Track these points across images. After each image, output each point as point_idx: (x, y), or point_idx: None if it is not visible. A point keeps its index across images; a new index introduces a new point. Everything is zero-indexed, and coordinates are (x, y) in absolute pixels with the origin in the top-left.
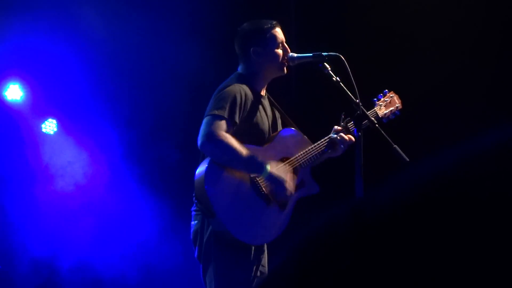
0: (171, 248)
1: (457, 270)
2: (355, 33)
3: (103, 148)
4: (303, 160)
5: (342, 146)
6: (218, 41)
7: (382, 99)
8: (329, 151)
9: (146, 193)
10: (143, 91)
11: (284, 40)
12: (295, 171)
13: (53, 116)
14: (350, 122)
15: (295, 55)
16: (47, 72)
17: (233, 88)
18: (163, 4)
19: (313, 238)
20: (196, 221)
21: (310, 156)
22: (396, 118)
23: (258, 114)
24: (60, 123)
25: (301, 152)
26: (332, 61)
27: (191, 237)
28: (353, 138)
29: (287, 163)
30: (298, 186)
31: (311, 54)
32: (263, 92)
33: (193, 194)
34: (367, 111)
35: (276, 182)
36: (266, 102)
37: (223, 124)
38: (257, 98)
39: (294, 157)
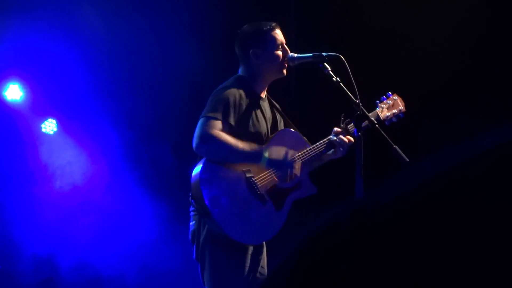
0: (170, 247)
1: (458, 271)
2: (355, 33)
3: (103, 148)
4: (300, 161)
5: (341, 148)
6: (218, 43)
7: (384, 101)
8: (329, 153)
9: (146, 193)
10: (143, 91)
11: (284, 41)
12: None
13: (53, 116)
14: (350, 123)
15: (295, 55)
16: (47, 72)
17: (228, 90)
18: (163, 6)
19: (313, 238)
20: (193, 222)
21: (308, 157)
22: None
23: (255, 116)
24: (60, 123)
25: (299, 153)
26: (332, 61)
27: (189, 237)
28: (352, 140)
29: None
30: (294, 188)
31: (311, 55)
32: (263, 94)
33: (190, 194)
34: (369, 113)
35: (277, 164)
36: (266, 104)
37: (216, 124)
38: (256, 100)
39: (291, 158)
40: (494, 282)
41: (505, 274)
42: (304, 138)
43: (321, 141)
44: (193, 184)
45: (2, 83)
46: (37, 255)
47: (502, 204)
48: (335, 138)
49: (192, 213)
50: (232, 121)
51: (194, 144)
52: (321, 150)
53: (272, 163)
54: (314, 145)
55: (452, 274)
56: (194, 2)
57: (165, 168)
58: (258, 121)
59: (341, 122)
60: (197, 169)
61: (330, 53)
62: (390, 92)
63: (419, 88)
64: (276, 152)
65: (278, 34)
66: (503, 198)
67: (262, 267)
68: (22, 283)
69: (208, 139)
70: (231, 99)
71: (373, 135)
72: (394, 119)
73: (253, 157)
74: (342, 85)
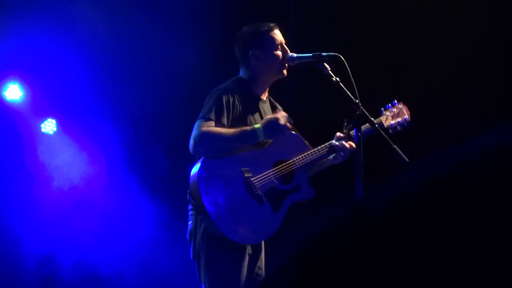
0: (169, 247)
1: (458, 271)
2: (355, 33)
3: (103, 148)
4: (300, 164)
5: (342, 153)
6: (218, 44)
7: (389, 109)
8: (330, 157)
9: (145, 193)
10: (143, 91)
11: (283, 41)
12: (291, 174)
13: (53, 116)
14: (353, 129)
15: (295, 55)
16: (47, 72)
17: (222, 91)
18: (163, 7)
19: (311, 239)
20: (191, 221)
21: (309, 160)
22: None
23: (252, 117)
24: (60, 123)
25: (299, 156)
26: (332, 61)
27: (187, 237)
28: (354, 146)
29: (283, 166)
30: (292, 190)
31: (311, 54)
32: (263, 96)
33: (188, 192)
34: (373, 118)
35: (272, 127)
36: (266, 106)
37: (209, 123)
38: (255, 102)
39: (292, 160)
40: (494, 282)
41: (505, 275)
42: (306, 141)
43: (322, 146)
44: (191, 182)
45: (2, 83)
46: (37, 254)
47: (502, 205)
48: (336, 143)
49: (190, 213)
50: (225, 121)
51: (190, 147)
52: (322, 154)
53: (269, 130)
54: (315, 149)
55: (452, 275)
56: (194, 2)
57: (165, 168)
58: (255, 122)
59: (344, 127)
60: (195, 168)
61: (329, 53)
62: (395, 101)
63: (419, 88)
64: (266, 120)
65: (277, 34)
66: (503, 198)
67: (259, 268)
68: (22, 282)
69: (200, 137)
70: (225, 100)
71: (373, 135)
72: (399, 128)
73: (249, 136)
74: (341, 85)
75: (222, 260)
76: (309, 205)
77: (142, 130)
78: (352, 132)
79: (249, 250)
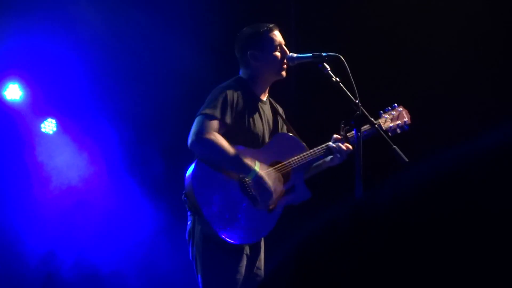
0: (168, 246)
1: (456, 270)
2: (355, 33)
3: (103, 147)
4: (296, 165)
5: (338, 155)
6: (218, 44)
7: (388, 112)
8: (326, 159)
9: (145, 192)
10: (143, 91)
11: (282, 42)
12: (286, 175)
13: (53, 115)
14: (350, 131)
15: (295, 55)
16: (47, 72)
17: (226, 89)
18: (163, 7)
19: (311, 239)
20: (189, 221)
21: (305, 161)
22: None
23: (252, 117)
24: (60, 123)
25: (295, 157)
26: (332, 61)
27: (186, 237)
28: (351, 148)
29: (278, 167)
30: (288, 191)
31: (311, 55)
32: (263, 97)
33: (183, 193)
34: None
35: (261, 187)
36: (266, 107)
37: (213, 123)
38: (255, 102)
39: (287, 161)
40: (492, 281)
41: (504, 273)
42: (303, 143)
43: (319, 147)
44: (186, 183)
45: (2, 82)
46: (37, 253)
47: (500, 205)
48: (333, 144)
49: (189, 212)
50: (228, 120)
51: (188, 141)
52: (319, 155)
53: (258, 184)
54: (311, 150)
55: (451, 273)
56: (194, 2)
57: (164, 167)
58: (254, 122)
59: (341, 129)
60: (190, 169)
61: (329, 53)
62: (395, 104)
63: (419, 89)
64: (268, 174)
65: (276, 35)
66: (502, 198)
67: (258, 268)
68: (22, 282)
69: (203, 139)
70: (229, 98)
71: (372, 135)
72: (398, 131)
73: (243, 170)
74: (341, 85)
75: (218, 261)
76: (308, 205)
77: (142, 130)
78: (349, 134)
79: (247, 250)
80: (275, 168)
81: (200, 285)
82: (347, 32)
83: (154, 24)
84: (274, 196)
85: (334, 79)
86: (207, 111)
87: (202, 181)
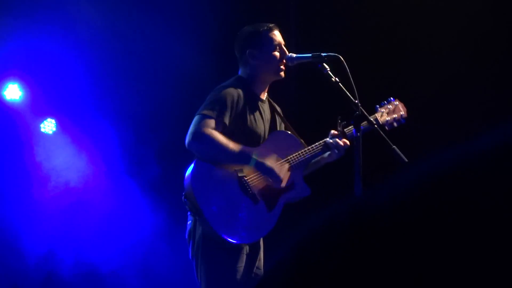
0: (168, 246)
1: (455, 269)
2: (355, 33)
3: (102, 147)
4: (294, 162)
5: (336, 151)
6: (218, 45)
7: (385, 106)
8: (324, 155)
9: (145, 192)
10: (143, 91)
11: (282, 42)
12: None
13: (52, 116)
14: (347, 126)
15: (294, 55)
16: (46, 72)
17: (226, 89)
18: (163, 7)
19: (311, 237)
20: (190, 221)
21: (303, 158)
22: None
23: (252, 117)
24: (59, 123)
25: (294, 155)
26: (331, 61)
27: (186, 236)
28: (348, 143)
29: (278, 163)
30: (287, 188)
31: (310, 55)
32: (262, 96)
33: (183, 194)
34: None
35: (265, 170)
36: (265, 106)
37: (210, 122)
38: (255, 102)
39: (285, 158)
40: (492, 281)
41: (503, 272)
42: (301, 140)
43: (316, 143)
44: (186, 184)
45: (2, 82)
46: (37, 253)
47: (499, 204)
48: (330, 140)
49: (189, 212)
50: (227, 120)
51: (186, 141)
52: (316, 152)
53: (260, 167)
54: (309, 147)
55: (449, 272)
56: (194, 2)
57: (164, 167)
58: (255, 121)
59: (338, 125)
60: (189, 169)
61: (329, 54)
62: (392, 97)
63: (418, 89)
64: (267, 155)
65: (276, 35)
66: (500, 198)
67: (258, 267)
68: (21, 281)
69: (200, 137)
70: (229, 99)
71: (372, 135)
72: (395, 124)
73: (243, 159)
74: (341, 85)
75: (219, 260)
76: (307, 204)
77: (141, 130)
78: (347, 130)
79: (246, 250)
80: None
81: (200, 285)
82: (347, 32)
83: (154, 24)
84: (281, 174)
85: (333, 79)
86: (205, 111)
87: (202, 181)
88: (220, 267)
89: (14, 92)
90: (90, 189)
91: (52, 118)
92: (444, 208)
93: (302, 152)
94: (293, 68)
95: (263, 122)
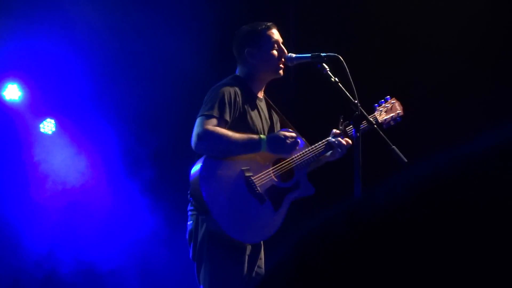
0: (168, 246)
1: (455, 272)
2: (355, 33)
3: (102, 147)
4: (299, 162)
5: (339, 149)
6: (218, 45)
7: (382, 105)
8: (327, 154)
9: (145, 192)
10: (143, 91)
11: (280, 41)
12: (290, 172)
13: (52, 116)
14: (349, 125)
15: (294, 55)
16: (46, 72)
17: (223, 87)
18: (162, 6)
19: (310, 238)
20: (191, 221)
21: (307, 158)
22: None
23: (251, 115)
24: (59, 123)
25: (298, 154)
26: (331, 61)
27: (186, 237)
28: (350, 142)
29: (282, 164)
30: (292, 188)
31: (310, 55)
32: (260, 94)
33: (188, 192)
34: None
35: (277, 143)
36: (263, 105)
37: (212, 121)
38: (253, 100)
39: (290, 158)
40: (491, 280)
41: (502, 276)
42: (303, 139)
43: (319, 143)
44: (192, 182)
45: (1, 83)
46: (36, 252)
47: (499, 206)
48: (333, 139)
49: (190, 213)
50: (228, 117)
51: (193, 144)
52: (320, 151)
53: (273, 144)
54: (312, 147)
55: (449, 275)
56: (194, 2)
57: (164, 167)
58: (254, 119)
59: (340, 124)
60: (196, 167)
61: (329, 54)
62: (388, 96)
63: (418, 89)
64: (274, 137)
65: (274, 33)
66: (501, 199)
67: (259, 267)
68: (21, 280)
69: (205, 135)
70: (227, 96)
71: (371, 135)
72: (392, 123)
73: (253, 145)
74: (340, 85)
75: (224, 261)
76: (308, 203)
77: (141, 130)
78: (348, 129)
79: (248, 250)
80: (277, 167)
81: (203, 284)
82: (346, 32)
83: (154, 24)
84: (293, 145)
85: (333, 79)
86: (205, 112)
87: (209, 180)
88: (225, 266)
89: (13, 92)
90: (90, 188)
91: (51, 118)
92: (444, 208)
93: (306, 152)
94: (293, 68)
95: (261, 120)
